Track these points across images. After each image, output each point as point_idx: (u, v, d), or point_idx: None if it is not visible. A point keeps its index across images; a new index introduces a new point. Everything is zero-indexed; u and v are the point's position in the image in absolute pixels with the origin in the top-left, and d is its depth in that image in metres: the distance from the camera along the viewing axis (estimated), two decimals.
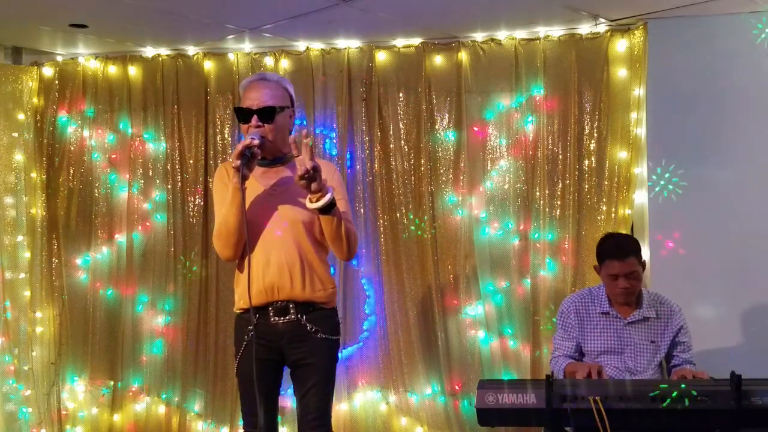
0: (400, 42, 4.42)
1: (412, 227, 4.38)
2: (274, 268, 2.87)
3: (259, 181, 2.94)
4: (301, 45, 4.50)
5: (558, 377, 3.30)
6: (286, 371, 3.04)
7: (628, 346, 3.33)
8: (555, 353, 3.44)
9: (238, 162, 2.76)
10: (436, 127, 4.39)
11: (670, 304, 3.40)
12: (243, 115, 2.90)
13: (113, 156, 4.70)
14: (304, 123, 4.45)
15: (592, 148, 4.20)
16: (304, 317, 2.91)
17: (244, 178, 2.77)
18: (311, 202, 2.80)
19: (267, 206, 2.91)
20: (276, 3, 3.89)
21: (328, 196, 2.79)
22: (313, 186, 2.76)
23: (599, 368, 3.05)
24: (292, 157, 3.01)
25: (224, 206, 2.86)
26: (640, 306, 3.35)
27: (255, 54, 4.54)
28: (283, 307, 2.90)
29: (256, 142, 2.79)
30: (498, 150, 4.35)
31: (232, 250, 2.90)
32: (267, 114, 2.87)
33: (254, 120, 2.87)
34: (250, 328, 2.90)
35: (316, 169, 2.73)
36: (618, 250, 3.27)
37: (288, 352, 2.93)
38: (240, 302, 2.98)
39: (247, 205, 2.81)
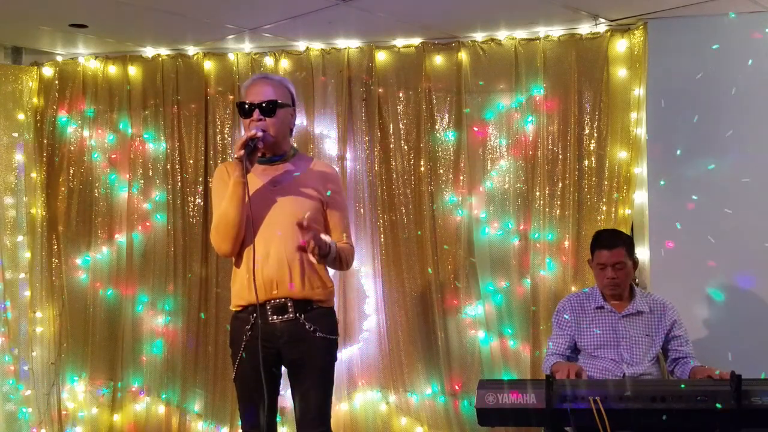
0: (400, 42, 4.42)
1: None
2: (272, 262, 2.86)
3: (259, 178, 2.94)
4: (301, 45, 4.50)
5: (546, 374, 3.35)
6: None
7: (624, 339, 3.38)
8: (547, 351, 3.52)
9: (242, 152, 2.76)
10: (436, 127, 4.39)
11: (663, 301, 3.48)
12: (245, 109, 2.90)
13: (113, 156, 4.70)
14: (304, 123, 4.45)
15: (592, 148, 4.20)
16: (302, 316, 2.91)
17: (246, 171, 2.78)
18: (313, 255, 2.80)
19: (267, 202, 2.91)
20: (276, 3, 3.89)
21: (332, 252, 2.85)
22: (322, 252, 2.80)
23: (578, 370, 3.07)
24: (292, 155, 3.02)
25: (224, 200, 2.86)
26: (633, 300, 3.43)
27: (255, 54, 4.54)
28: (281, 305, 2.89)
29: (260, 134, 2.81)
30: (498, 150, 4.35)
31: (230, 245, 2.89)
32: (269, 108, 2.88)
33: (256, 113, 2.87)
34: (248, 327, 2.90)
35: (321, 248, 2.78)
36: (607, 240, 3.40)
37: (286, 351, 2.93)
38: (237, 299, 2.97)
39: (246, 200, 2.81)
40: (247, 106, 2.89)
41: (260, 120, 2.87)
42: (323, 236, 2.84)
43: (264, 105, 2.87)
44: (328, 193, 3.00)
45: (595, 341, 3.40)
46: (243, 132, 2.97)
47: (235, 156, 2.79)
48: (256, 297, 2.82)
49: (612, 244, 3.37)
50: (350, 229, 3.16)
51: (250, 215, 2.82)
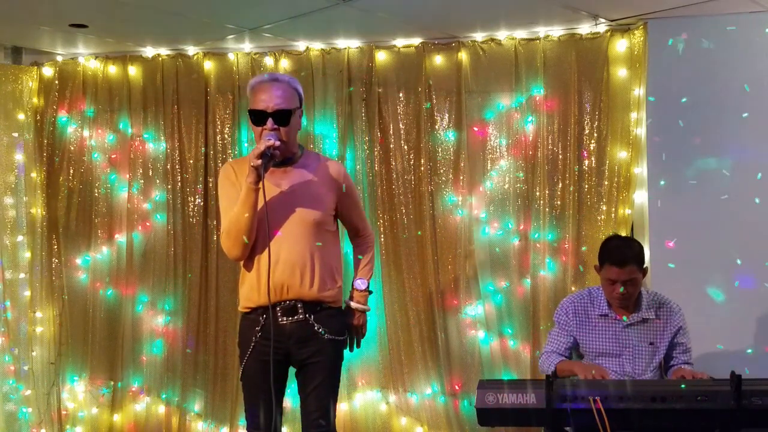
0: (400, 42, 4.42)
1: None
2: (283, 267, 2.87)
3: (268, 181, 2.92)
4: (301, 45, 4.50)
5: (544, 371, 3.35)
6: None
7: (627, 349, 3.33)
8: (546, 348, 3.47)
9: (259, 162, 2.75)
10: (436, 127, 4.39)
11: (670, 305, 3.39)
12: (258, 117, 2.89)
13: (113, 156, 4.70)
14: (304, 123, 4.44)
15: (592, 148, 4.20)
16: (311, 317, 2.92)
17: (260, 179, 2.78)
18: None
19: (278, 206, 2.91)
20: (276, 3, 3.89)
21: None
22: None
23: (603, 373, 3.04)
24: (300, 155, 3.02)
25: (236, 205, 2.85)
26: (638, 308, 3.34)
27: (255, 54, 4.54)
28: (291, 307, 2.91)
29: (278, 143, 2.80)
30: (498, 150, 4.35)
31: (240, 250, 2.90)
32: (282, 117, 2.87)
33: (270, 123, 2.86)
34: (257, 329, 2.90)
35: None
36: (618, 256, 3.24)
37: (294, 352, 2.94)
38: (246, 301, 2.97)
39: (258, 205, 2.82)
40: (259, 113, 2.88)
41: (274, 129, 2.86)
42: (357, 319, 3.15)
43: (278, 114, 2.86)
44: (343, 188, 3.05)
45: (597, 349, 3.36)
46: (248, 133, 2.97)
47: (252, 165, 2.77)
48: (269, 300, 2.83)
49: (623, 261, 3.21)
50: (365, 218, 3.26)
51: (267, 223, 2.82)
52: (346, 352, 3.12)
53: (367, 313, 3.19)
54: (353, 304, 3.11)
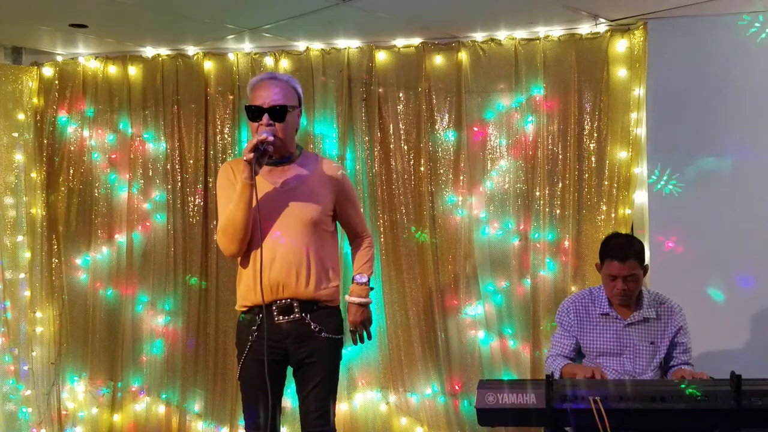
0: (400, 42, 4.42)
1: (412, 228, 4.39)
2: (279, 265, 2.87)
3: (266, 179, 2.94)
4: (301, 45, 4.51)
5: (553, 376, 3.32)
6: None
7: (627, 348, 3.32)
8: (552, 351, 3.45)
9: (251, 155, 2.76)
10: (436, 127, 4.39)
11: (671, 304, 3.38)
12: (254, 113, 2.89)
13: (113, 156, 4.70)
14: (304, 123, 4.45)
15: (592, 148, 4.20)
16: (308, 316, 2.92)
17: (254, 174, 2.77)
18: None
19: (275, 203, 2.91)
20: (276, 3, 3.89)
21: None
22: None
23: (600, 374, 3.04)
24: (298, 155, 3.02)
25: (232, 202, 2.86)
26: (639, 307, 3.33)
27: (255, 54, 4.54)
28: (287, 306, 2.90)
29: (271, 138, 2.79)
30: (498, 150, 4.35)
31: (237, 246, 2.90)
32: (278, 113, 2.87)
33: (265, 118, 2.86)
34: (254, 328, 2.90)
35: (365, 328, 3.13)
36: (619, 251, 3.24)
37: (292, 351, 2.94)
38: (242, 300, 2.97)
39: (254, 202, 2.81)
40: (255, 109, 2.88)
41: (270, 125, 2.86)
42: (359, 314, 3.10)
43: (274, 110, 2.86)
44: (341, 185, 3.05)
45: (598, 348, 3.35)
46: (248, 133, 2.97)
47: (245, 159, 2.78)
48: (263, 299, 2.83)
49: (624, 255, 3.21)
50: (364, 220, 3.25)
51: (258, 218, 2.82)
52: (346, 350, 3.12)
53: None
54: (348, 298, 3.09)
